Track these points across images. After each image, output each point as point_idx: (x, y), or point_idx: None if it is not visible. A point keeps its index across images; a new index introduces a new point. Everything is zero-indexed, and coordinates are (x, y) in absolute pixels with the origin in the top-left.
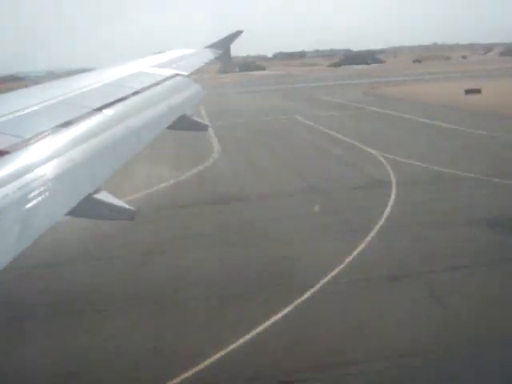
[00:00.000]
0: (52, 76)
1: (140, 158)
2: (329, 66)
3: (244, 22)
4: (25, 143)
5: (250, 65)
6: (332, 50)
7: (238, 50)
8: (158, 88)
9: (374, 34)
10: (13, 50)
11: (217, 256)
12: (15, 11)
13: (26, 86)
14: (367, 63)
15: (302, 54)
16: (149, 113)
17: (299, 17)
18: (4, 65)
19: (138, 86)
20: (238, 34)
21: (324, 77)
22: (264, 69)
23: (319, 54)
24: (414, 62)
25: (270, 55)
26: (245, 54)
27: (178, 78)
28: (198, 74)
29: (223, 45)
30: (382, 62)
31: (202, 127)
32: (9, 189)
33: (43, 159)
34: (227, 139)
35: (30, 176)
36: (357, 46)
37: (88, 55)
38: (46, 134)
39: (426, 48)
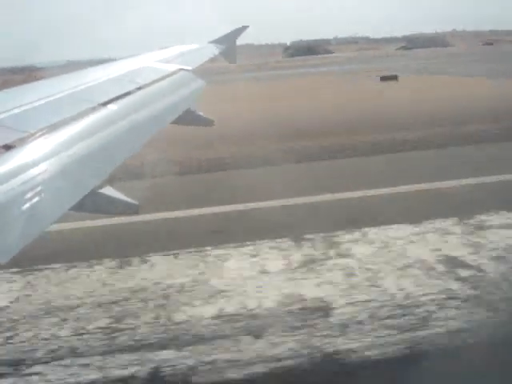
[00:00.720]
0: (71, 66)
1: None
2: (397, 49)
3: (255, 11)
4: (30, 138)
5: (316, 49)
6: (353, 38)
7: (256, 38)
8: (163, 83)
9: (388, 22)
10: (31, 40)
11: None
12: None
13: (42, 78)
14: (442, 46)
15: (326, 42)
16: (153, 107)
17: (313, 4)
18: (22, 54)
19: (142, 81)
20: (243, 29)
21: (433, 55)
22: (333, 52)
23: (340, 41)
24: (485, 44)
25: (288, 43)
26: (263, 43)
27: (182, 72)
28: (263, 58)
29: (228, 40)
30: (451, 45)
31: (206, 122)
32: (14, 182)
33: (48, 153)
34: None
35: (34, 170)
36: (374, 34)
37: (106, 46)
38: (52, 128)
39: (448, 34)
